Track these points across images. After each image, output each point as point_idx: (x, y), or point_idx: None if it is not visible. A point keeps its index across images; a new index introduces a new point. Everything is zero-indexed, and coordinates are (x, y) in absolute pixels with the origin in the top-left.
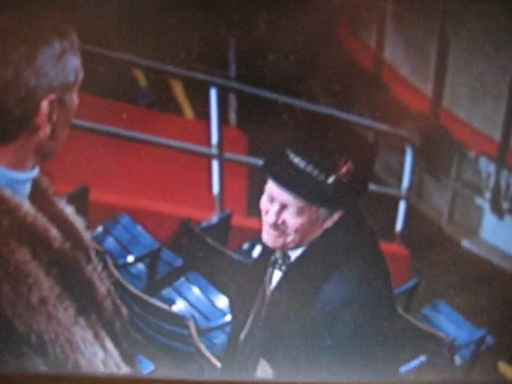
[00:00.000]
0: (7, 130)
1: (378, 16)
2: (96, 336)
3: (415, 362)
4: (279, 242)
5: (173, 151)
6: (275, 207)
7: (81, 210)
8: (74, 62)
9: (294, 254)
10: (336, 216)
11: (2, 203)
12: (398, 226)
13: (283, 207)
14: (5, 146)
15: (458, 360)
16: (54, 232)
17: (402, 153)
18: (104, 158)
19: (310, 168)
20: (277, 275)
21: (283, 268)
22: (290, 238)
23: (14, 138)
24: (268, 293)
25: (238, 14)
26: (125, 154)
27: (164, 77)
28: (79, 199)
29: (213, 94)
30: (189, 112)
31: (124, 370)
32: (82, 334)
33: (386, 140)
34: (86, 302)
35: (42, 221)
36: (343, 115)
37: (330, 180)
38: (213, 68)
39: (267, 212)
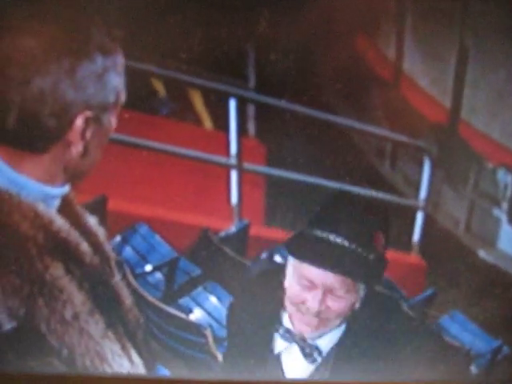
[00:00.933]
0: (39, 141)
1: (397, 27)
2: (123, 348)
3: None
4: (319, 330)
5: (191, 161)
6: (319, 293)
7: (99, 220)
8: (116, 82)
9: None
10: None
11: (36, 217)
12: (416, 236)
13: (328, 292)
14: (36, 158)
15: (474, 369)
16: (84, 246)
17: (420, 163)
18: (122, 168)
19: (349, 244)
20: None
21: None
22: (330, 324)
23: (46, 150)
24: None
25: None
26: (143, 163)
27: (183, 87)
28: (98, 209)
29: (232, 104)
30: (207, 122)
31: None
32: (111, 346)
33: (404, 151)
34: (114, 315)
35: (74, 235)
36: (361, 126)
37: (372, 255)
38: (232, 78)
39: (304, 301)
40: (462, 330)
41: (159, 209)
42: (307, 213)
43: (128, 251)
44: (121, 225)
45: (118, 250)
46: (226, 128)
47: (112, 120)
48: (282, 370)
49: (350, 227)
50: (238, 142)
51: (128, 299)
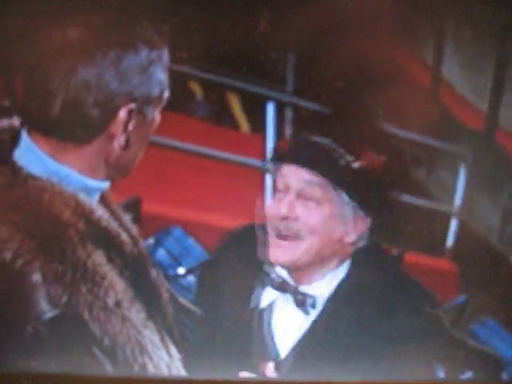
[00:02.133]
0: (82, 131)
1: (437, 34)
2: (162, 340)
3: (463, 376)
4: (289, 256)
5: (227, 164)
6: (290, 196)
7: (133, 221)
8: (161, 76)
9: (317, 291)
10: (360, 228)
11: (77, 206)
12: (449, 242)
13: (299, 196)
14: (78, 150)
15: (504, 376)
16: (124, 236)
17: (456, 170)
18: (157, 169)
19: (335, 145)
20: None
21: (308, 310)
22: (303, 247)
23: (88, 141)
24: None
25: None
26: (178, 165)
27: (220, 89)
28: (132, 210)
29: (270, 108)
30: (244, 125)
31: (183, 374)
32: (151, 337)
33: (440, 157)
34: (153, 307)
35: (114, 225)
36: (399, 132)
37: (357, 164)
38: (270, 81)
39: (277, 212)
40: (494, 336)
41: (193, 211)
42: None
43: (161, 253)
44: (154, 227)
45: (151, 252)
46: (262, 131)
47: (156, 115)
48: (269, 324)
49: (342, 132)
50: (274, 145)
51: (166, 293)
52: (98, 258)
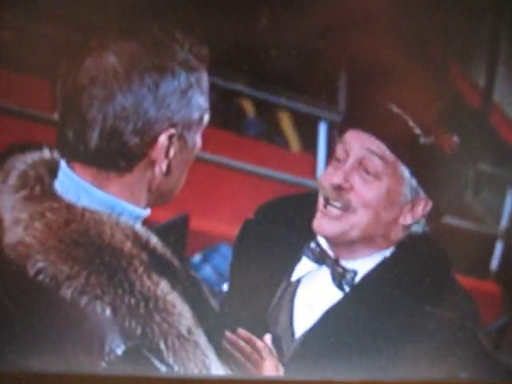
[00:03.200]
0: (122, 159)
1: (490, 55)
2: (220, 361)
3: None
4: (335, 227)
5: (277, 183)
6: (347, 165)
7: (181, 237)
8: (200, 100)
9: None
10: (418, 211)
11: (136, 236)
12: (493, 264)
13: (357, 165)
14: (120, 178)
15: None
16: (176, 262)
17: (503, 193)
18: (205, 186)
19: (406, 117)
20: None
21: (345, 287)
22: (352, 220)
23: (129, 169)
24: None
25: None
26: (226, 182)
27: (272, 108)
28: (180, 226)
29: (322, 129)
30: (295, 144)
31: None
32: (214, 359)
33: (488, 180)
34: (211, 329)
35: (167, 252)
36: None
37: (428, 139)
38: (323, 101)
39: (331, 181)
40: None
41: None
42: None
43: (208, 270)
44: (202, 243)
45: (198, 268)
46: (313, 150)
47: (197, 139)
48: (291, 298)
49: (416, 105)
50: (326, 165)
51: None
52: (165, 286)
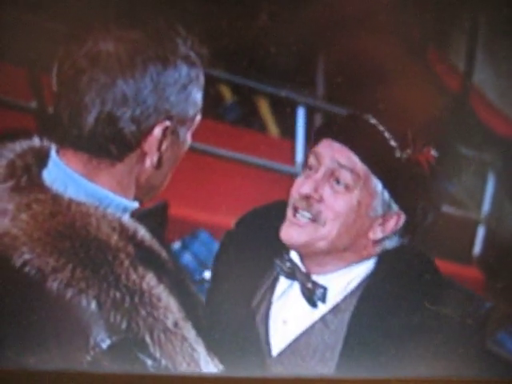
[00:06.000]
0: (115, 147)
1: (469, 39)
2: (209, 354)
3: None
4: (304, 237)
5: (255, 168)
6: (317, 175)
7: (160, 225)
8: (197, 96)
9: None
10: (389, 226)
11: (122, 228)
12: (476, 249)
13: (328, 176)
14: (111, 168)
15: None
16: (165, 254)
17: (484, 177)
18: (184, 173)
19: (382, 128)
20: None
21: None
22: (321, 231)
23: (120, 158)
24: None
25: None
26: (206, 169)
27: (250, 93)
28: (159, 214)
29: (300, 113)
30: (274, 129)
31: None
32: (203, 353)
33: (469, 164)
34: (200, 322)
35: (155, 243)
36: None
37: (404, 153)
38: (300, 86)
39: (300, 190)
40: None
41: (220, 215)
42: None
43: (187, 257)
44: (181, 230)
45: (178, 255)
46: (292, 135)
47: (187, 136)
48: (266, 314)
49: (394, 118)
50: (304, 150)
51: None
52: (151, 279)
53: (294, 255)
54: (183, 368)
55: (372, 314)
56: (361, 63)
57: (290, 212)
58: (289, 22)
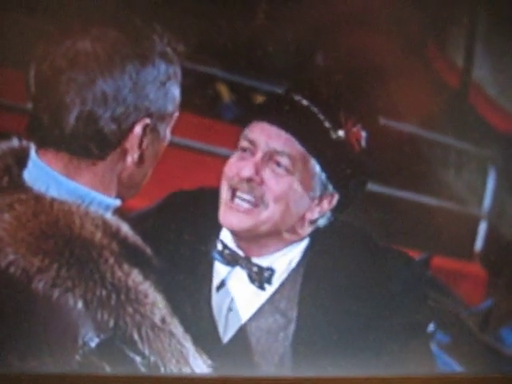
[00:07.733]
0: (96, 146)
1: (468, 35)
2: (197, 350)
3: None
4: (247, 222)
5: None
6: (256, 157)
7: None
8: (176, 93)
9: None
10: (324, 207)
11: (106, 226)
12: (478, 245)
13: (267, 159)
14: (92, 166)
15: None
16: (149, 250)
17: (485, 173)
18: (182, 172)
19: (316, 110)
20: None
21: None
22: (265, 215)
23: (102, 157)
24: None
25: None
26: (202, 168)
27: (248, 92)
28: None
29: None
30: None
31: None
32: (191, 348)
33: (469, 159)
34: (188, 318)
35: (139, 240)
36: (427, 134)
37: (338, 134)
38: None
39: (238, 172)
40: None
41: None
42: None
43: None
44: None
45: None
46: None
47: (167, 133)
48: (208, 304)
49: (327, 97)
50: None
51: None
52: (136, 276)
53: (227, 239)
54: (172, 365)
55: (319, 289)
56: (359, 61)
57: (227, 194)
58: (286, 20)
